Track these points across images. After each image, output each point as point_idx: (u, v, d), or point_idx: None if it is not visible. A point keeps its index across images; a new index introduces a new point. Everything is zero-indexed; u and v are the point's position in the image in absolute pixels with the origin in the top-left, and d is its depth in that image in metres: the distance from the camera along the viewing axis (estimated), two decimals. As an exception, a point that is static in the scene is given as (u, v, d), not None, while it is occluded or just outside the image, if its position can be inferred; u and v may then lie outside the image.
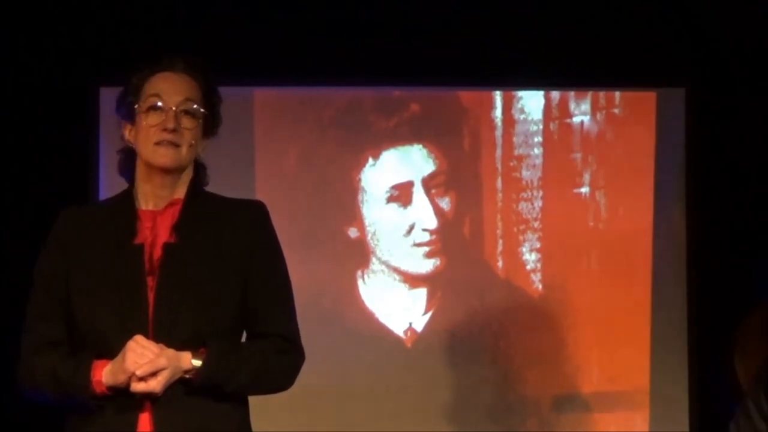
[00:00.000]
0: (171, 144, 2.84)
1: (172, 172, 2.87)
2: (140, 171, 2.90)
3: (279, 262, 2.94)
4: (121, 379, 2.73)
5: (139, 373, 2.70)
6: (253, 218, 2.93)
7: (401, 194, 4.81)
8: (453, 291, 4.80)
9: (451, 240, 4.81)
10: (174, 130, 2.83)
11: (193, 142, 2.86)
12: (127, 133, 2.90)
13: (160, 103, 2.84)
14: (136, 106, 2.86)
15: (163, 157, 2.84)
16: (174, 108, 2.84)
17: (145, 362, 2.71)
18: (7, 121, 4.62)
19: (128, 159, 2.93)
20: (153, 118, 2.84)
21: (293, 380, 2.95)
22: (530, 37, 4.69)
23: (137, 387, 2.72)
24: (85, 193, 4.60)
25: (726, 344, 4.43)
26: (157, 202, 2.89)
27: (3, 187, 4.61)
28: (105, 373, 2.75)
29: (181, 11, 4.59)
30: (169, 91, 2.85)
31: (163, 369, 2.72)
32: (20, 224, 4.46)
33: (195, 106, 2.86)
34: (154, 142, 2.84)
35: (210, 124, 2.92)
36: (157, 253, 2.83)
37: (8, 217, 4.58)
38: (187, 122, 2.86)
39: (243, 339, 2.94)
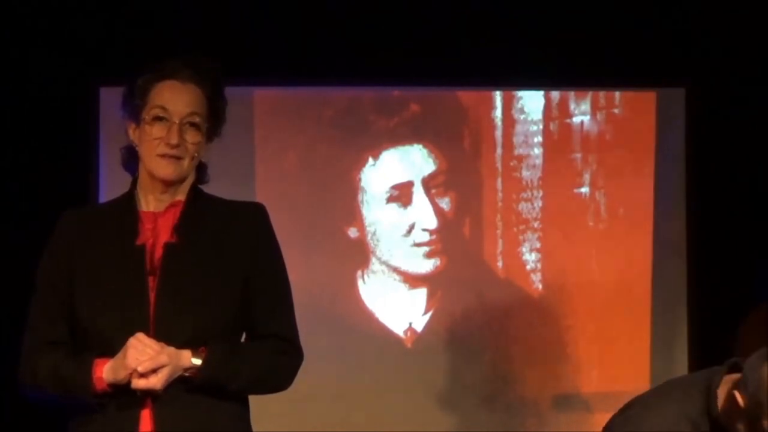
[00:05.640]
0: (173, 158, 2.85)
1: (173, 183, 2.89)
2: (143, 175, 2.92)
3: (278, 264, 2.96)
4: (121, 375, 2.74)
5: (140, 369, 2.72)
6: (253, 220, 2.95)
7: (401, 194, 4.81)
8: (453, 291, 4.80)
9: (451, 240, 4.81)
10: (177, 145, 2.84)
11: (195, 154, 2.89)
12: (131, 132, 2.92)
13: (164, 116, 2.85)
14: (142, 113, 2.87)
15: (165, 169, 2.86)
16: (178, 122, 2.85)
17: (147, 359, 2.72)
18: (7, 121, 4.62)
19: (131, 155, 2.94)
20: (157, 131, 2.85)
21: (291, 381, 2.97)
22: (530, 37, 4.69)
23: (138, 384, 2.74)
24: (86, 193, 4.60)
25: (726, 345, 4.43)
26: (158, 205, 2.91)
27: (3, 187, 4.61)
28: (106, 370, 2.76)
29: (181, 12, 4.59)
30: (174, 103, 2.85)
31: (164, 366, 2.73)
32: (20, 224, 4.46)
33: (199, 119, 2.87)
34: (157, 154, 2.86)
35: (214, 130, 2.93)
36: (158, 253, 2.84)
37: (8, 217, 4.58)
38: (190, 136, 2.87)
39: (242, 339, 2.96)
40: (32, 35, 4.62)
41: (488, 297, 4.80)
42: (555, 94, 4.84)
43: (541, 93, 4.84)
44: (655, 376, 4.76)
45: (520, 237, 4.82)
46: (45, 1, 4.62)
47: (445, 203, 4.82)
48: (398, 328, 4.80)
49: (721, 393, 2.85)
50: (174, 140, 2.84)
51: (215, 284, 2.84)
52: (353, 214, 4.81)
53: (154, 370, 2.72)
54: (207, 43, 4.21)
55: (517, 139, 4.84)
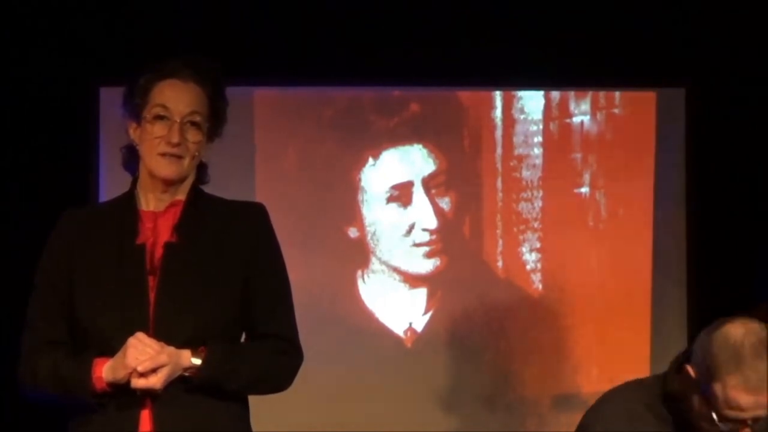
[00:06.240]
0: (174, 156, 2.86)
1: (173, 182, 2.89)
2: (143, 174, 2.92)
3: (278, 264, 2.96)
4: (121, 374, 2.74)
5: (140, 369, 2.72)
6: (253, 220, 2.95)
7: (401, 194, 4.81)
8: (453, 291, 4.80)
9: (451, 240, 4.81)
10: (178, 144, 2.85)
11: (196, 153, 2.89)
12: (132, 131, 2.92)
13: (165, 115, 2.85)
14: (143, 112, 2.87)
15: (166, 169, 2.87)
16: (179, 120, 2.85)
17: (146, 358, 2.72)
18: (7, 121, 4.62)
19: (131, 155, 2.95)
20: (158, 129, 2.86)
21: (291, 381, 2.97)
22: (530, 37, 4.69)
23: (138, 383, 2.74)
24: (86, 193, 4.60)
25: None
26: (159, 204, 2.91)
27: (3, 187, 4.62)
28: (105, 369, 2.76)
29: (181, 12, 4.59)
30: (175, 102, 2.86)
31: (163, 366, 2.73)
32: (20, 224, 4.46)
33: (200, 119, 2.88)
34: (158, 153, 2.86)
35: (214, 131, 2.93)
36: (158, 252, 2.85)
37: (8, 217, 4.58)
38: (191, 135, 2.87)
39: (242, 339, 2.96)
40: (32, 35, 4.62)
41: (488, 297, 4.80)
42: (555, 94, 4.84)
43: (541, 93, 4.84)
44: (655, 376, 4.76)
45: (520, 237, 4.82)
46: (45, 1, 4.62)
47: (445, 203, 4.82)
48: (398, 328, 4.80)
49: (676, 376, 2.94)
50: (175, 139, 2.84)
51: (215, 284, 2.84)
52: (353, 214, 4.81)
53: (154, 370, 2.73)
54: (207, 43, 4.22)
55: (517, 139, 4.84)
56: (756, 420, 2.80)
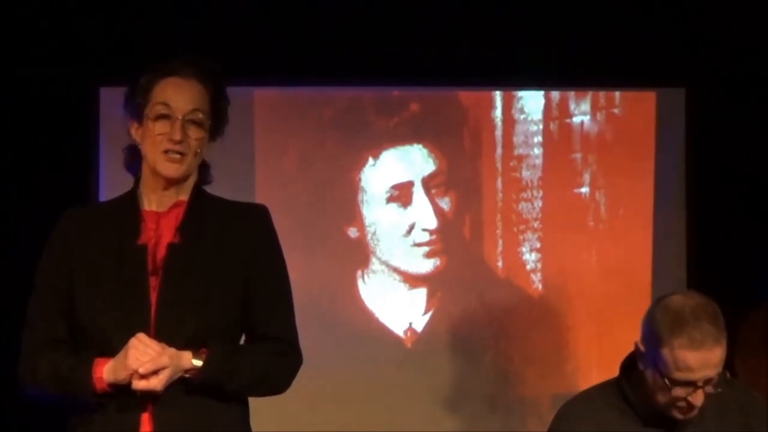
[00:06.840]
0: (177, 154, 2.86)
1: (176, 180, 2.89)
2: (145, 173, 2.93)
3: (280, 266, 2.97)
4: (122, 375, 2.74)
5: (141, 370, 2.72)
6: (254, 221, 2.95)
7: (401, 194, 4.81)
8: (453, 291, 4.80)
9: (451, 240, 4.81)
10: (180, 141, 2.85)
11: (198, 151, 2.89)
12: (134, 131, 2.93)
13: (168, 113, 2.85)
14: (145, 111, 2.87)
15: (168, 168, 2.87)
16: (181, 118, 2.85)
17: (148, 360, 2.72)
18: (7, 121, 4.62)
19: (133, 155, 2.95)
20: (160, 127, 2.86)
21: (290, 383, 2.97)
22: (530, 37, 4.69)
23: (139, 384, 2.74)
24: (86, 193, 4.60)
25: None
26: (161, 204, 2.91)
27: (3, 187, 4.62)
28: (106, 370, 2.76)
29: (181, 12, 4.59)
30: (177, 100, 2.86)
31: (164, 367, 2.73)
32: (20, 224, 4.46)
33: (202, 116, 2.88)
34: (161, 150, 2.86)
35: (216, 130, 2.93)
36: (161, 253, 2.85)
37: (8, 217, 4.58)
38: (193, 132, 2.88)
39: (242, 340, 2.96)
40: (32, 35, 4.62)
41: (488, 297, 4.80)
42: (555, 94, 4.84)
43: (541, 93, 4.84)
44: (655, 376, 4.76)
45: (520, 237, 4.82)
46: (45, 1, 4.62)
47: (445, 203, 4.82)
48: (398, 328, 4.80)
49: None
50: (177, 136, 2.85)
51: (217, 286, 2.85)
52: (353, 214, 4.81)
53: (155, 372, 2.73)
54: (207, 43, 4.22)
55: (517, 139, 4.84)
56: (707, 382, 2.91)
